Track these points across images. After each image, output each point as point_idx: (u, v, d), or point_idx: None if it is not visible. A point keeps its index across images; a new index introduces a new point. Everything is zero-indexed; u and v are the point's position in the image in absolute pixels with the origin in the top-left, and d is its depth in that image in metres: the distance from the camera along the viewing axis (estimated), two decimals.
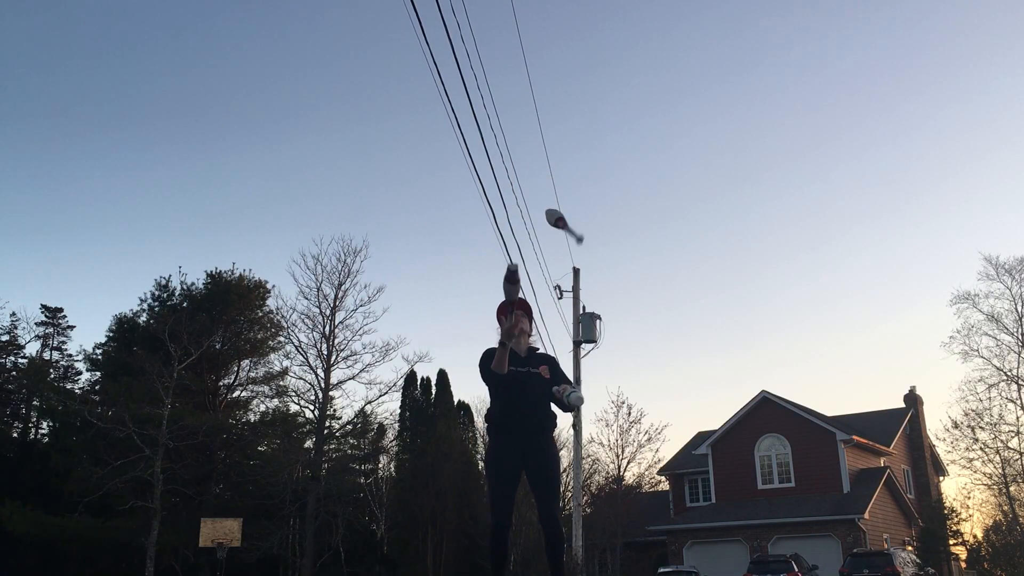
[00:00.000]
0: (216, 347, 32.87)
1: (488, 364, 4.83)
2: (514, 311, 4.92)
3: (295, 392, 33.76)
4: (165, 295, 35.18)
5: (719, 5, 79.78)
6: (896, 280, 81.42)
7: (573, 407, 4.85)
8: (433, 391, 39.76)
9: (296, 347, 32.74)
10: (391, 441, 38.19)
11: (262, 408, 36.00)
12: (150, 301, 35.25)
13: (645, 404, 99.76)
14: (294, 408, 34.48)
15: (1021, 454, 36.43)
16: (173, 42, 77.07)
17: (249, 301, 34.99)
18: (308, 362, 32.45)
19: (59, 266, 72.16)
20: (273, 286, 36.81)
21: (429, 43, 6.66)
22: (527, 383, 4.89)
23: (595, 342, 21.90)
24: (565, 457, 27.43)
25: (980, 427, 37.05)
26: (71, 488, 28.07)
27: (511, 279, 4.69)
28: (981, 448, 36.90)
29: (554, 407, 5.05)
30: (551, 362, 5.15)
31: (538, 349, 5.27)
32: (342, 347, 32.46)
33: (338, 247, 43.32)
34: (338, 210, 78.18)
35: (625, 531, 33.45)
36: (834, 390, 79.26)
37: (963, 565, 35.29)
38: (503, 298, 4.83)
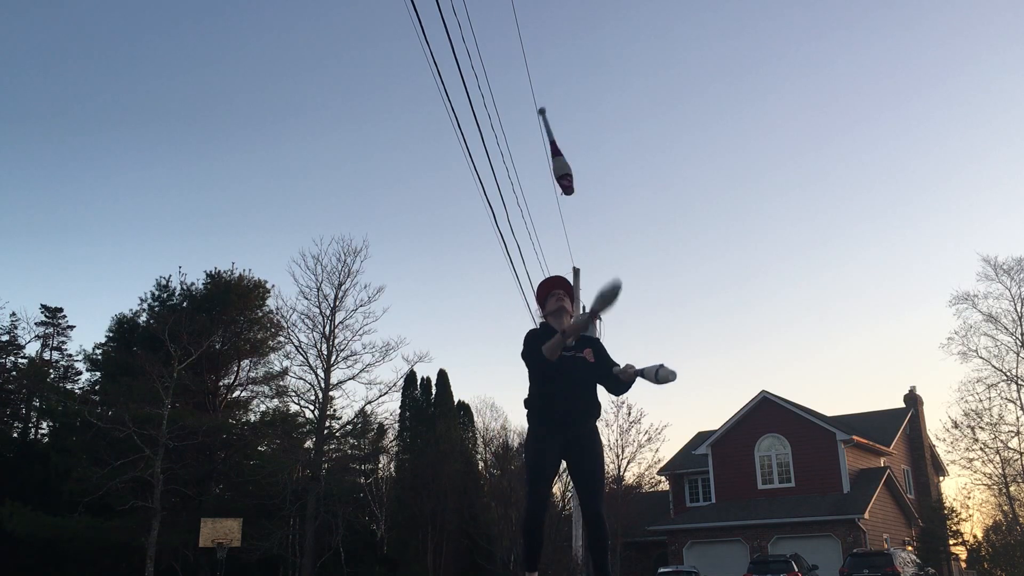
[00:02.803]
0: (216, 347, 32.85)
1: (536, 344, 4.51)
2: (554, 292, 4.77)
3: (295, 392, 33.75)
4: (165, 295, 35.19)
5: (719, 5, 79.85)
6: (896, 280, 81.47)
7: (664, 383, 4.38)
8: (433, 391, 39.75)
9: (296, 347, 32.74)
10: (391, 441, 38.18)
11: (262, 408, 36.01)
12: (150, 301, 35.27)
13: (645, 404, 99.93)
14: (294, 408, 34.48)
15: (1021, 454, 36.45)
16: (173, 42, 77.13)
17: (249, 301, 34.97)
18: (308, 362, 32.45)
19: (59, 266, 72.21)
20: (273, 286, 36.82)
21: (429, 43, 6.66)
22: (572, 368, 4.56)
23: None
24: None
25: (980, 427, 37.11)
26: (71, 488, 28.05)
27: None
28: (981, 448, 36.95)
29: (601, 392, 4.71)
30: (595, 344, 4.80)
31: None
32: (342, 347, 32.47)
33: (338, 247, 43.27)
34: (338, 210, 78.18)
35: (625, 531, 33.44)
36: (834, 390, 79.33)
37: (963, 565, 35.32)
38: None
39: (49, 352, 43.95)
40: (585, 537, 4.65)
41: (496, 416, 49.78)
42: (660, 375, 4.30)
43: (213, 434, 30.83)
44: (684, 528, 32.43)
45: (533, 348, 4.54)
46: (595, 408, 4.69)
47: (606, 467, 35.65)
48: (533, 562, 4.73)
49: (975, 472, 37.28)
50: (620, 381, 4.55)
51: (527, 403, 4.70)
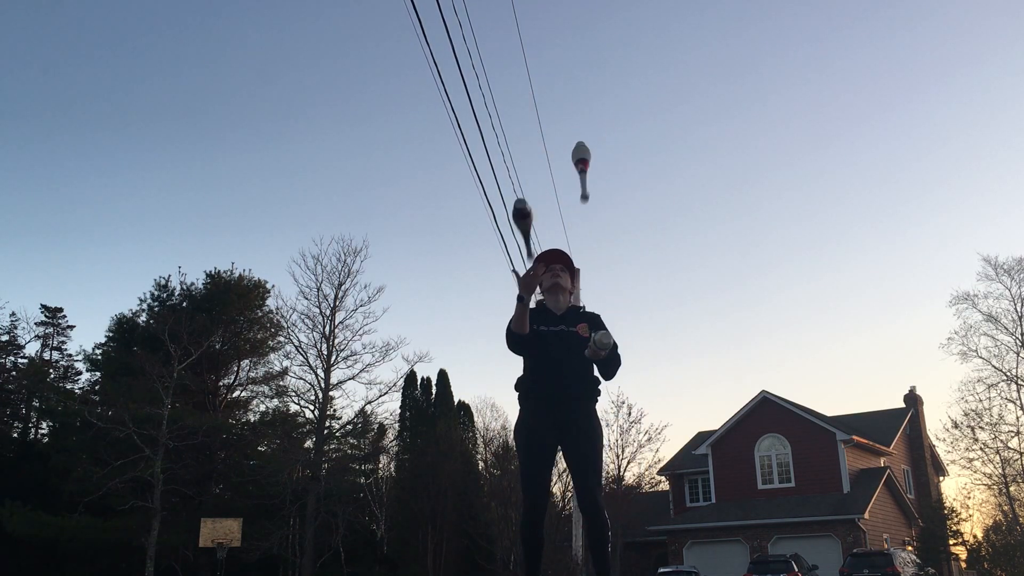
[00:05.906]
0: (216, 347, 32.87)
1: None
2: (538, 263, 4.32)
3: (295, 392, 33.76)
4: (165, 295, 35.20)
5: (719, 5, 79.82)
6: (896, 280, 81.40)
7: (602, 350, 3.99)
8: (433, 391, 39.77)
9: (296, 347, 32.75)
10: (391, 441, 38.19)
11: (262, 408, 36.03)
12: (150, 301, 35.27)
13: (645, 404, 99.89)
14: (294, 408, 34.50)
15: (1021, 454, 36.44)
16: (173, 41, 77.09)
17: (249, 301, 35.00)
18: (308, 362, 32.46)
19: (59, 266, 72.18)
20: (273, 286, 36.84)
21: (429, 42, 6.66)
22: (559, 344, 4.21)
23: None
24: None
25: (980, 427, 37.09)
26: (71, 488, 28.05)
27: (519, 215, 4.15)
28: (981, 448, 36.94)
29: (597, 372, 4.31)
30: (592, 319, 4.35)
31: (582, 308, 4.50)
32: (342, 347, 32.48)
33: (338, 247, 43.27)
34: (338, 210, 78.08)
35: (625, 531, 33.43)
36: (834, 390, 79.32)
37: (963, 565, 35.33)
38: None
39: (49, 352, 44.03)
40: (585, 531, 4.26)
41: (496, 416, 49.75)
42: (597, 343, 3.97)
43: (213, 434, 30.85)
44: (684, 528, 32.44)
45: (508, 327, 4.13)
46: (588, 386, 4.27)
47: (605, 463, 35.41)
48: (534, 567, 4.24)
49: (975, 472, 37.30)
50: (601, 360, 4.18)
51: (517, 386, 4.34)
